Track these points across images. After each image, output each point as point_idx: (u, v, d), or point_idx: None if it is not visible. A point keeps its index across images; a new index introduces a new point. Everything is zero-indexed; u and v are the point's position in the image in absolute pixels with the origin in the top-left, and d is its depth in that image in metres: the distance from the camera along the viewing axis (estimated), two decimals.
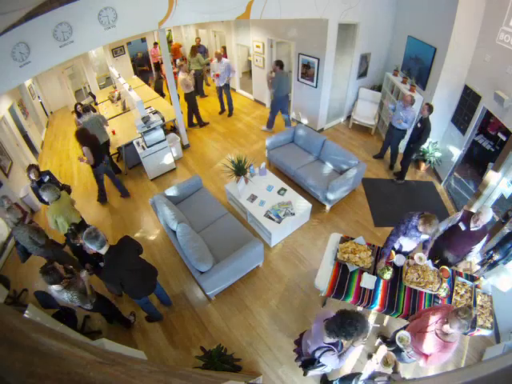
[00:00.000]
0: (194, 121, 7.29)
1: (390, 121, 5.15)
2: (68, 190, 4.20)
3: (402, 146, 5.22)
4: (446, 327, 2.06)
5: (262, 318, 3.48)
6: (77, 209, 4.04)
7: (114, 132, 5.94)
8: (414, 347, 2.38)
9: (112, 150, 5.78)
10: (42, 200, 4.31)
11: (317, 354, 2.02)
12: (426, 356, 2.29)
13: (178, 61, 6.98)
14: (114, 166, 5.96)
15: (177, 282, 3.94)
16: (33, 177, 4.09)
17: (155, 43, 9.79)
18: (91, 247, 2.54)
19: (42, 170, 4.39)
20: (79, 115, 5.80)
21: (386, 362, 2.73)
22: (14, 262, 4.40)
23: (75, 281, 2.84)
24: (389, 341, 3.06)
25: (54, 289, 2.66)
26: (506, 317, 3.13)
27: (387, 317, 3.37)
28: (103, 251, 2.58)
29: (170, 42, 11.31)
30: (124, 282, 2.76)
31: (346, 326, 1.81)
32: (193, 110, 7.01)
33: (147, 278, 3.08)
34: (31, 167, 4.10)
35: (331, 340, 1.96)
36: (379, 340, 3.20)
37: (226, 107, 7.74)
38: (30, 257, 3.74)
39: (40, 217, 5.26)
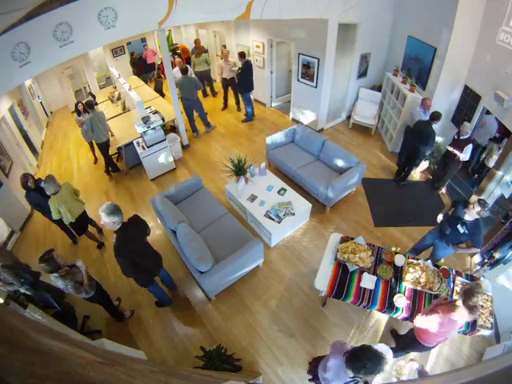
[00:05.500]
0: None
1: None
2: None
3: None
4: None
5: (262, 318, 3.48)
6: (81, 199, 4.15)
7: (112, 134, 5.92)
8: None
9: (112, 150, 5.77)
10: (35, 206, 4.24)
11: None
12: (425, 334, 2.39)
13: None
14: (114, 165, 5.98)
15: (177, 281, 3.93)
16: (30, 184, 4.00)
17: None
18: (115, 220, 2.53)
19: (39, 171, 4.39)
20: (79, 114, 5.80)
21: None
22: None
23: (75, 271, 2.92)
24: (402, 335, 3.06)
25: (53, 275, 2.77)
26: (506, 317, 3.13)
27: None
28: (118, 227, 2.62)
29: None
30: (136, 259, 2.77)
31: (366, 363, 1.75)
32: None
33: (156, 260, 3.21)
34: (26, 176, 4.02)
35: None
36: (390, 335, 3.24)
37: (230, 102, 7.92)
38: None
39: (36, 223, 5.26)
